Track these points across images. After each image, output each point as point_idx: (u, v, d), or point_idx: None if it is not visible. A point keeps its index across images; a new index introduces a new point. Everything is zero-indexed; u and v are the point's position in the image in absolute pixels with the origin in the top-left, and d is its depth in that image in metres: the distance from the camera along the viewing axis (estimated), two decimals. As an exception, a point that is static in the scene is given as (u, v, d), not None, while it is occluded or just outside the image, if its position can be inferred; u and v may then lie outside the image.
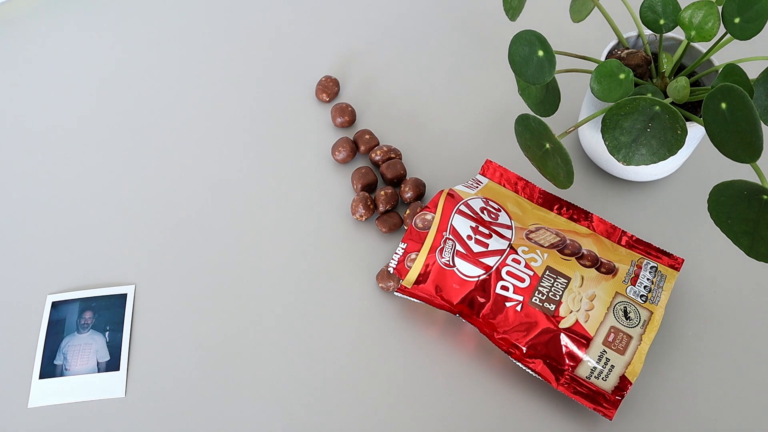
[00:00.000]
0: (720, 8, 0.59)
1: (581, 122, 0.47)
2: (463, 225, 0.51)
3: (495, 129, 0.63)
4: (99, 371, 0.50)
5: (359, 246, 0.56)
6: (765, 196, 0.38)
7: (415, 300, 0.52)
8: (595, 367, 0.47)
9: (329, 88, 0.63)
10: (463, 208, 0.52)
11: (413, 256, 0.51)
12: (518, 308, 0.49)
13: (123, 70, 0.67)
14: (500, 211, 0.53)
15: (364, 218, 0.56)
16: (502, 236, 0.51)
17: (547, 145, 0.46)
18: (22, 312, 0.53)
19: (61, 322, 0.52)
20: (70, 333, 0.52)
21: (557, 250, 0.51)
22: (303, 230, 0.57)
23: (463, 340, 0.52)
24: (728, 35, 0.57)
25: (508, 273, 0.49)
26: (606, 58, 0.53)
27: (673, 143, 0.43)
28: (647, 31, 0.61)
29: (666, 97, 0.52)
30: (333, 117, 0.62)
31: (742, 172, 0.60)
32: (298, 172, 0.60)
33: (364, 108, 0.64)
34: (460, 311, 0.51)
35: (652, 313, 0.49)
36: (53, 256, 0.56)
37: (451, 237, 0.51)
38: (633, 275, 0.50)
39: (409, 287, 0.51)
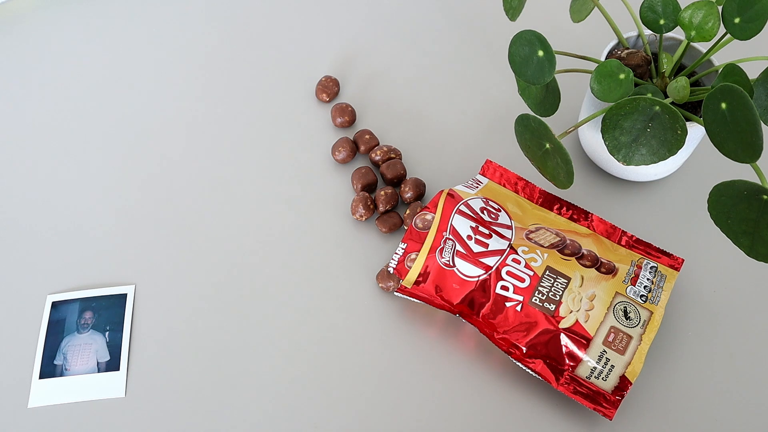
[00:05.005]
0: (720, 8, 0.59)
1: (581, 122, 0.47)
2: (463, 225, 0.51)
3: (495, 129, 0.63)
4: (99, 371, 0.50)
5: (359, 246, 0.56)
6: (765, 196, 0.38)
7: (415, 300, 0.52)
8: (595, 367, 0.47)
9: (329, 88, 0.63)
10: (463, 208, 0.52)
11: (413, 256, 0.51)
12: (518, 308, 0.49)
13: (123, 71, 0.67)
14: (500, 211, 0.53)
15: (364, 218, 0.56)
16: (502, 236, 0.51)
17: (547, 145, 0.46)
18: (22, 312, 0.53)
19: (61, 322, 0.52)
20: (70, 333, 0.52)
21: (557, 250, 0.51)
22: (303, 230, 0.57)
23: (463, 340, 0.52)
24: (728, 35, 0.57)
25: (508, 273, 0.49)
26: (606, 58, 0.53)
27: (673, 143, 0.43)
28: (647, 31, 0.61)
29: (666, 97, 0.52)
30: (333, 117, 0.62)
31: (742, 172, 0.60)
32: (298, 172, 0.60)
33: (364, 108, 0.64)
34: (460, 311, 0.51)
35: (652, 313, 0.49)
36: (53, 256, 0.56)
37: (451, 237, 0.51)
38: (633, 275, 0.50)
39: (409, 287, 0.51)
